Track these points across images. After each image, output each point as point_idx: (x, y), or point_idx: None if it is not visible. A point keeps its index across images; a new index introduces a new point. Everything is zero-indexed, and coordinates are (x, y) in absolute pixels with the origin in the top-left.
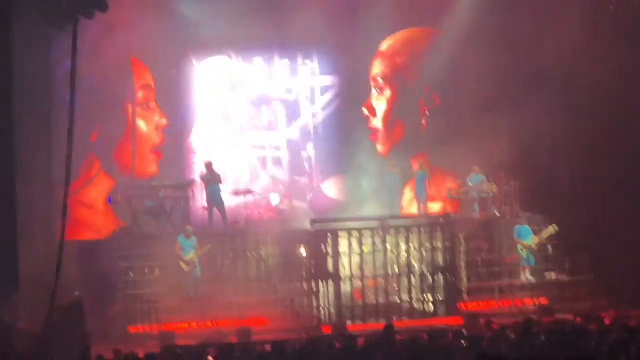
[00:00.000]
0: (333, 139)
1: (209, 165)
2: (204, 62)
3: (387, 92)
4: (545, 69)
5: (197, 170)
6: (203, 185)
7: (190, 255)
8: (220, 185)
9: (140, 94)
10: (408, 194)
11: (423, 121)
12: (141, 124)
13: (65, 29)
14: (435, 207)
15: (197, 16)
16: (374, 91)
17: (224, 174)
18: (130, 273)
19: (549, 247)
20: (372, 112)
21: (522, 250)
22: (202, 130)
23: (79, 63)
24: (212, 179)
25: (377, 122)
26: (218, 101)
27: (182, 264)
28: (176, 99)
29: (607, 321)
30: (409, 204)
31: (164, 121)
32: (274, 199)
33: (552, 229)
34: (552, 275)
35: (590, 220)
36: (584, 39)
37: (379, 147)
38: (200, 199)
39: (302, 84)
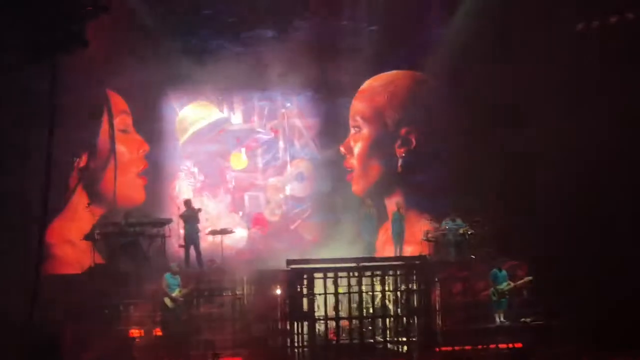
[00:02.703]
0: (312, 179)
1: (188, 203)
2: (183, 102)
3: (365, 132)
4: (521, 113)
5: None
6: (181, 224)
7: (177, 292)
8: (198, 225)
9: (118, 119)
10: (382, 235)
11: (399, 163)
12: (123, 150)
13: (41, 66)
14: (409, 249)
15: (176, 56)
16: (352, 130)
17: (203, 213)
18: (106, 310)
19: (524, 292)
20: (350, 151)
21: (494, 294)
22: (182, 167)
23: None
24: (190, 217)
25: (353, 161)
26: (197, 141)
27: (167, 300)
28: (155, 131)
29: None
30: (384, 245)
31: (145, 147)
32: (251, 238)
33: (527, 280)
34: (527, 320)
35: (567, 264)
36: (568, 83)
37: (354, 187)
38: (177, 237)
39: (281, 125)
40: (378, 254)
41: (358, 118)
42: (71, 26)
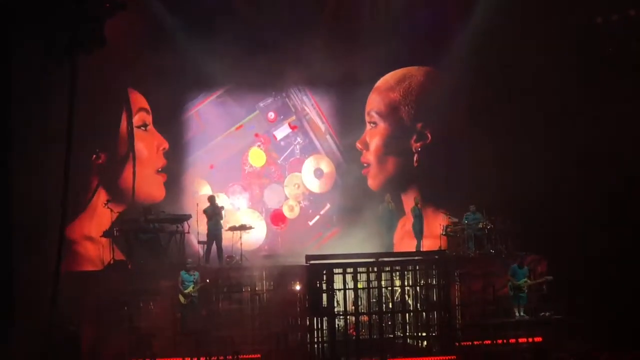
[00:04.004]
0: (331, 175)
1: (211, 200)
2: (200, 98)
3: (381, 127)
4: (544, 106)
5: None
6: (205, 220)
7: (189, 289)
8: (221, 221)
9: (137, 117)
10: (400, 230)
11: (415, 157)
12: (142, 147)
13: (61, 66)
14: (426, 244)
15: (194, 53)
16: (368, 126)
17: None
18: (125, 307)
19: (544, 287)
20: (366, 147)
21: (511, 289)
22: (200, 166)
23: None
24: (214, 213)
25: (369, 157)
26: (215, 139)
27: (180, 297)
28: (174, 128)
29: None
30: (401, 240)
31: (165, 144)
32: (269, 234)
33: (546, 279)
34: (547, 315)
35: (587, 260)
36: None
37: (370, 182)
38: (196, 233)
39: (299, 121)
40: (395, 249)
41: (373, 113)
42: (89, 24)
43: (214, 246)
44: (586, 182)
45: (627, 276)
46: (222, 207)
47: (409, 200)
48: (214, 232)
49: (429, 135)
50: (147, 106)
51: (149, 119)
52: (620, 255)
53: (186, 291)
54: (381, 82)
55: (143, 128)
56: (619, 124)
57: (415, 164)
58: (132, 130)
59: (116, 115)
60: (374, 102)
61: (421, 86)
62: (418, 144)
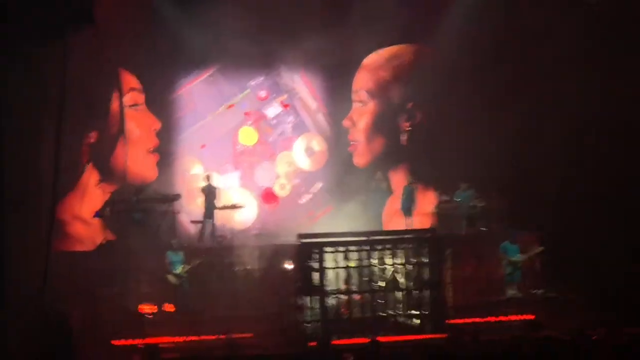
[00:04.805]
0: (322, 153)
1: (208, 178)
2: (192, 77)
3: (370, 106)
4: (535, 81)
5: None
6: (202, 198)
7: (179, 269)
8: (215, 201)
9: (128, 96)
10: (389, 208)
11: (403, 137)
12: (134, 127)
13: (50, 45)
14: (416, 222)
15: (186, 32)
16: (355, 105)
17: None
18: (117, 287)
19: (537, 265)
20: (353, 125)
21: (507, 266)
22: (192, 143)
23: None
24: (210, 192)
25: (357, 134)
26: (207, 118)
27: (170, 277)
28: (166, 108)
29: (596, 338)
30: (391, 218)
31: (157, 125)
32: (261, 213)
33: (539, 251)
34: (539, 292)
35: (581, 236)
36: (580, 52)
37: (357, 159)
38: (187, 212)
39: (290, 99)
40: (385, 227)
41: (362, 92)
42: (79, 3)
43: (208, 225)
44: (582, 157)
45: (624, 252)
46: (216, 187)
47: (398, 179)
48: (209, 210)
49: (419, 115)
50: (138, 86)
51: (140, 98)
52: (617, 232)
53: (177, 272)
54: (370, 60)
55: (134, 107)
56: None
57: (405, 143)
58: (123, 110)
59: (107, 94)
60: (362, 81)
61: (411, 64)
62: (407, 124)
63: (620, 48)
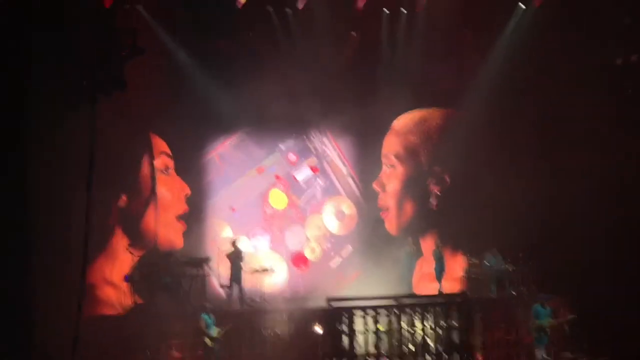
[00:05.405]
0: (352, 217)
1: (234, 243)
2: (221, 141)
3: (399, 170)
4: (563, 149)
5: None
6: (228, 264)
7: (216, 332)
8: (242, 264)
9: (159, 161)
10: (418, 272)
11: (434, 201)
12: (164, 192)
13: (81, 109)
14: (445, 286)
15: (214, 96)
16: (385, 169)
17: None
18: (148, 351)
19: (566, 327)
20: (383, 189)
21: (534, 330)
22: (221, 208)
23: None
24: (237, 257)
25: (387, 200)
26: (236, 181)
27: (207, 340)
28: (195, 172)
29: None
30: (419, 282)
31: (187, 190)
32: (291, 277)
33: (570, 318)
34: (568, 355)
35: (609, 301)
36: (608, 112)
37: (388, 225)
38: (217, 276)
39: (320, 163)
40: (414, 291)
41: (392, 156)
42: (110, 69)
43: (236, 289)
44: (610, 221)
45: None
46: (243, 252)
47: (427, 243)
48: (236, 275)
49: (448, 179)
50: (168, 150)
51: (171, 163)
52: None
53: (213, 334)
54: (399, 123)
55: (165, 172)
56: None
57: (434, 208)
58: (154, 174)
59: (138, 159)
60: (392, 144)
61: (440, 128)
62: (437, 188)
63: None
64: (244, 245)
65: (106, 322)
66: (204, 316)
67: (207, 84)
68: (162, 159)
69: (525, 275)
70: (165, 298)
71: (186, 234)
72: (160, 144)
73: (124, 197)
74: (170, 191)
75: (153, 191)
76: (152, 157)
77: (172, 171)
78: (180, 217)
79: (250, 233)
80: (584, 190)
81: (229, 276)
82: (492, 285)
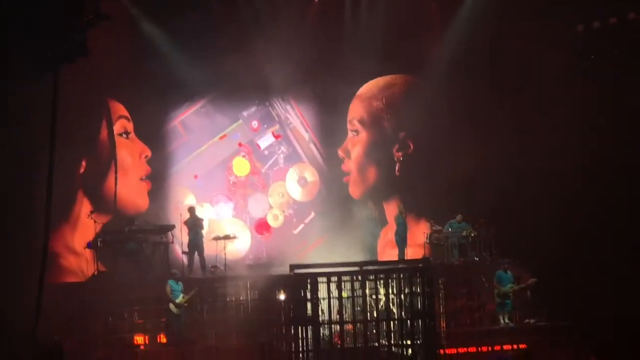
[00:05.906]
0: (314, 183)
1: (191, 210)
2: (184, 108)
3: (363, 136)
4: (526, 112)
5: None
6: (186, 230)
7: (180, 298)
8: (202, 231)
9: (118, 125)
10: (382, 238)
11: (397, 167)
12: (124, 155)
13: (44, 77)
14: (409, 252)
15: (176, 62)
16: (350, 134)
17: (206, 219)
18: (110, 318)
19: (528, 293)
20: (347, 155)
21: (497, 296)
22: (184, 176)
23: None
24: (194, 224)
25: (350, 165)
26: (199, 148)
27: (172, 306)
28: (158, 139)
29: None
30: (384, 248)
31: (147, 152)
32: (254, 244)
33: (532, 282)
34: (531, 321)
35: (571, 266)
36: (572, 81)
37: (351, 190)
38: (180, 243)
39: (283, 129)
40: (379, 258)
41: (356, 122)
42: (74, 35)
43: (196, 257)
44: (572, 188)
45: (613, 281)
46: (202, 219)
47: (391, 209)
48: (195, 242)
49: (411, 145)
50: (127, 114)
51: (130, 126)
52: (606, 259)
53: (178, 301)
54: (364, 89)
55: (124, 136)
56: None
57: (397, 173)
58: (113, 138)
59: (97, 124)
60: (357, 110)
61: (404, 95)
62: (400, 153)
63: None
64: (206, 212)
65: (69, 289)
66: (171, 282)
67: (170, 51)
68: (121, 123)
69: (487, 241)
70: (128, 265)
71: (151, 198)
72: (118, 108)
73: (83, 163)
74: (130, 155)
75: (113, 155)
76: (110, 122)
77: (132, 135)
78: (144, 178)
79: (213, 200)
80: (544, 154)
81: (187, 242)
82: (455, 251)
